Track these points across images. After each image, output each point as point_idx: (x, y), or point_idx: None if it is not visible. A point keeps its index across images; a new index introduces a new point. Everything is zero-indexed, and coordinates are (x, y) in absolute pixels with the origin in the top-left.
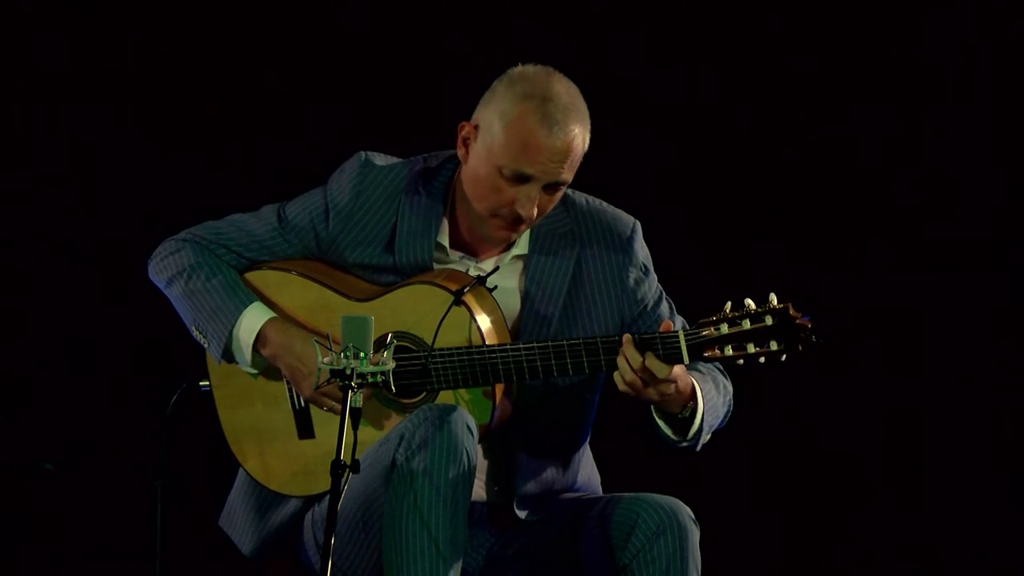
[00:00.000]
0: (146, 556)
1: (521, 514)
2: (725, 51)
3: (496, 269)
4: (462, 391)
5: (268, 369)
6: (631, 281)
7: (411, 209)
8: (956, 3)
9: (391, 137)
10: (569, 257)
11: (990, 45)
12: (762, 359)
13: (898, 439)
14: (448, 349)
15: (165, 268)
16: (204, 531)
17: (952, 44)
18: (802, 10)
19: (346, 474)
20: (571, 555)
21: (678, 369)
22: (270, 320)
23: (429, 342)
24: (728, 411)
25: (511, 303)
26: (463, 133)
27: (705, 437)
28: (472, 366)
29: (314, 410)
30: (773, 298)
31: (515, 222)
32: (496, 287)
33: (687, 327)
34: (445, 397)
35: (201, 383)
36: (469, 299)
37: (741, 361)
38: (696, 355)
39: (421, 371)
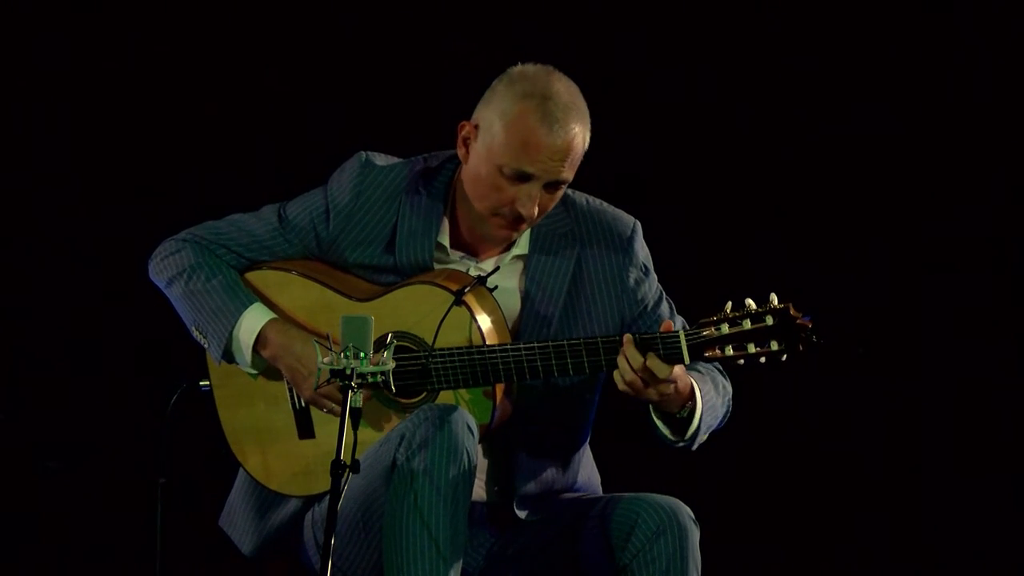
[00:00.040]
0: (146, 556)
1: (521, 514)
2: (725, 51)
3: (496, 269)
4: (462, 391)
5: (268, 369)
6: (631, 281)
7: (411, 209)
8: (956, 3)
9: (391, 137)
10: (569, 257)
11: (990, 45)
12: (763, 359)
13: (898, 439)
14: (448, 349)
15: (165, 268)
16: (204, 531)
17: (952, 44)
18: (802, 10)
19: (346, 474)
20: (571, 555)
21: (678, 369)
22: (270, 321)
23: (429, 342)
24: (727, 412)
25: (511, 303)
26: (463, 133)
27: (702, 437)
28: (472, 366)
29: (315, 410)
30: (774, 298)
31: (516, 221)
32: (496, 287)
33: (687, 327)
34: (445, 397)
35: (201, 383)
36: (470, 299)
37: (742, 361)
38: (697, 355)
39: (421, 371)
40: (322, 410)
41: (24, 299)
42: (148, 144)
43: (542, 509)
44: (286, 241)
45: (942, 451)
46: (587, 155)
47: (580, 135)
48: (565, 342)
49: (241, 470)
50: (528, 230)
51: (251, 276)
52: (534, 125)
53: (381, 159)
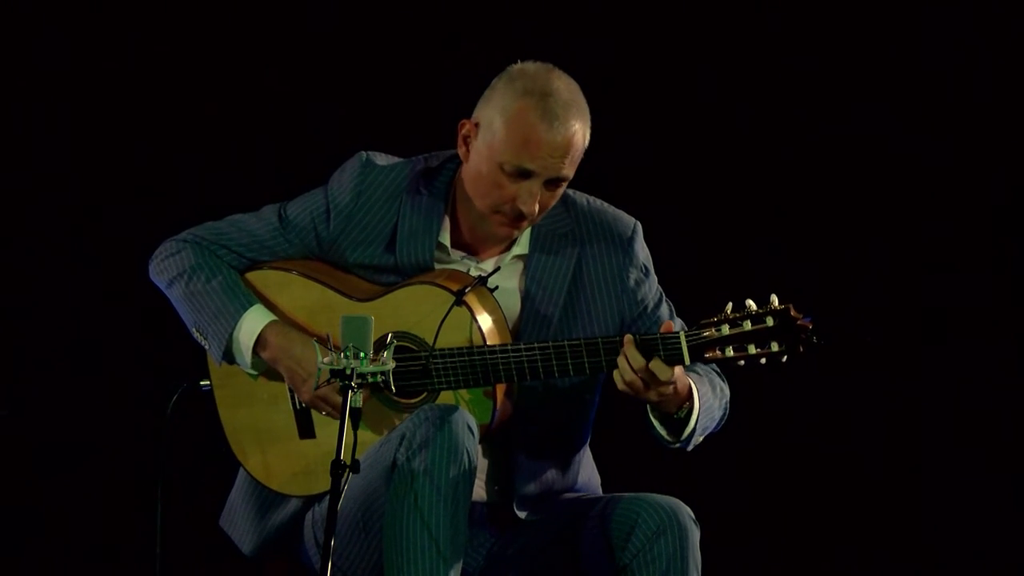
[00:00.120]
0: (146, 556)
1: (521, 514)
2: (725, 51)
3: (497, 269)
4: (463, 391)
5: (269, 370)
6: (631, 282)
7: (412, 209)
8: (956, 3)
9: (391, 137)
10: (570, 257)
11: (990, 45)
12: (763, 360)
13: (898, 439)
14: (449, 349)
15: (166, 269)
16: (204, 531)
17: (952, 44)
18: (802, 10)
19: (346, 474)
20: (571, 555)
21: (677, 370)
22: (270, 323)
23: (430, 342)
24: (724, 415)
25: (512, 303)
26: (464, 131)
27: (698, 439)
28: (473, 366)
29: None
30: (774, 299)
31: (517, 218)
32: (497, 287)
33: (687, 328)
34: (446, 397)
35: (202, 383)
36: (470, 299)
37: (742, 362)
38: (697, 356)
39: (422, 371)
40: (321, 412)
41: (24, 299)
42: (148, 144)
43: (542, 509)
44: (286, 241)
45: (942, 451)
46: (587, 155)
47: (580, 132)
48: (565, 342)
49: (241, 470)
50: (528, 230)
51: (252, 276)
52: (534, 122)
53: (382, 159)
